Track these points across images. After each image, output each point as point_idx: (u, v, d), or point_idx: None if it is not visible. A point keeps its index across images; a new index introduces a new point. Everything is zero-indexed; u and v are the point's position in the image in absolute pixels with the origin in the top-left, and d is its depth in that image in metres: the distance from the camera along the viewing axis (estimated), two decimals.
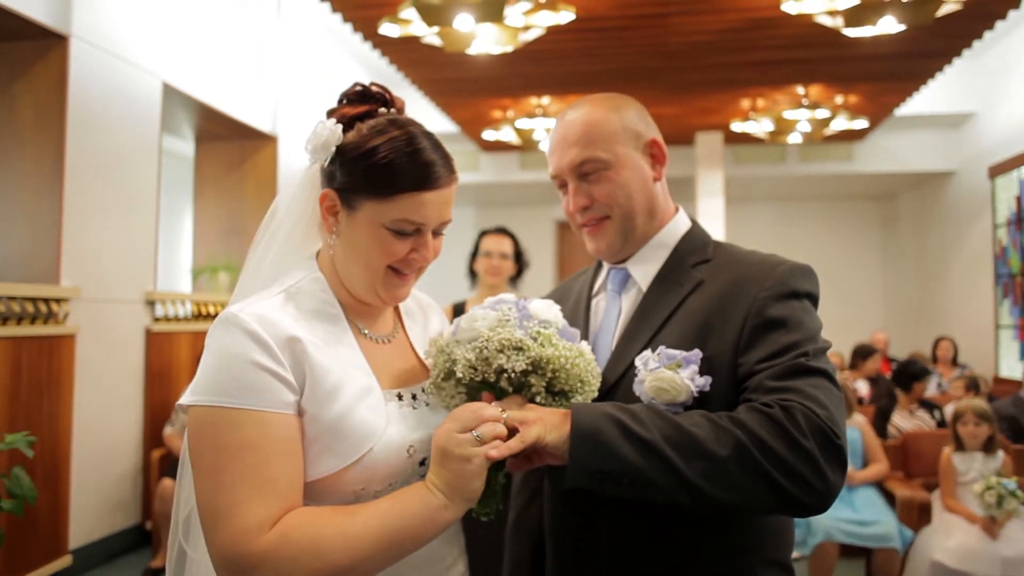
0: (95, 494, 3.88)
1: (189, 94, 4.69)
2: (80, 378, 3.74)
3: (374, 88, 1.08)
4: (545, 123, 6.65)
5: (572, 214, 1.19)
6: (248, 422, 0.91)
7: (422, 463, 1.02)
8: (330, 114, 1.07)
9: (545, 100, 6.64)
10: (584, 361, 1.03)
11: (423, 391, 1.09)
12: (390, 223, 1.00)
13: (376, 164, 1.00)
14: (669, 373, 1.01)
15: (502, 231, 3.08)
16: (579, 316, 1.24)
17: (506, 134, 6.99)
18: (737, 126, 6.96)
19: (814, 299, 1.10)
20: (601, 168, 1.14)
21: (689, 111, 7.04)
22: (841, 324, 8.44)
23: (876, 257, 10.02)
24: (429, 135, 1.04)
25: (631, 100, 1.20)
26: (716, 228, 7.87)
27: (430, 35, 4.33)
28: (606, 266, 1.26)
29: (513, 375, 0.99)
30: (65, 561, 3.63)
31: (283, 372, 0.93)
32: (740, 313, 1.05)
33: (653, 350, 1.05)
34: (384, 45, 5.20)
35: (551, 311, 1.07)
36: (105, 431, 3.95)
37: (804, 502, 0.93)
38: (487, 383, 1.01)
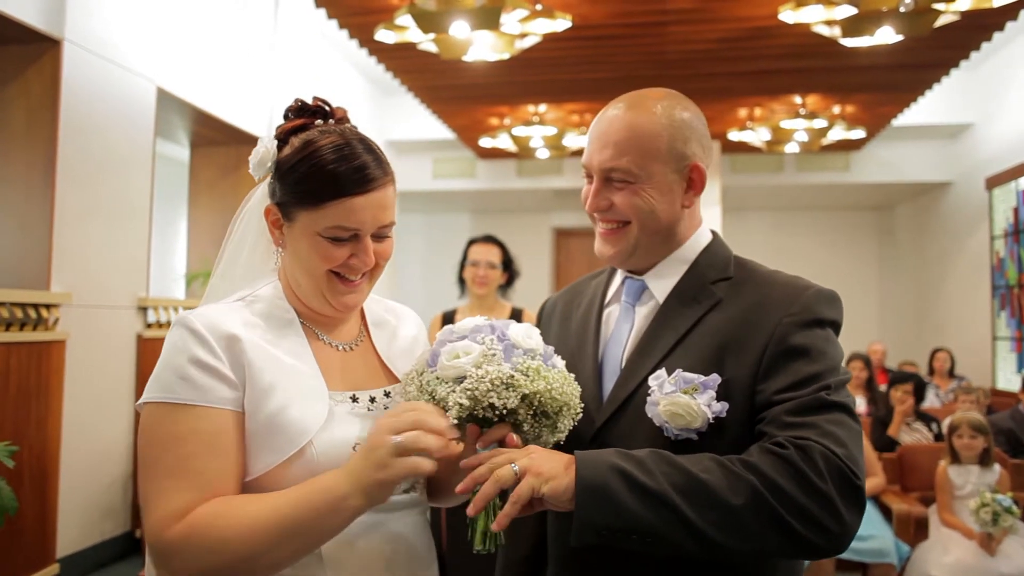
0: (84, 501, 3.84)
1: (183, 99, 4.67)
2: (70, 384, 3.70)
3: (314, 102, 1.10)
4: (542, 131, 6.64)
5: (589, 212, 1.15)
6: (181, 416, 0.95)
7: None
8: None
9: (542, 108, 6.63)
10: (571, 387, 1.02)
11: (385, 395, 1.09)
12: (323, 231, 1.01)
13: (303, 175, 1.01)
14: (686, 398, 0.98)
15: (490, 240, 3.06)
16: (590, 325, 1.20)
17: (503, 141, 6.98)
18: (734, 135, 6.96)
19: (838, 327, 1.06)
20: (629, 180, 1.09)
21: None
22: None
23: (873, 268, 10.02)
24: (362, 140, 1.04)
25: (693, 111, 1.13)
26: None
27: (426, 42, 4.32)
28: (620, 274, 1.21)
29: (504, 411, 0.97)
30: (52, 570, 3.58)
31: (222, 368, 0.97)
32: (761, 338, 1.02)
33: (669, 370, 1.02)
34: (380, 52, 5.19)
35: (532, 338, 1.03)
36: (95, 438, 3.90)
37: (821, 546, 0.91)
38: (473, 417, 0.98)
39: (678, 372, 1.00)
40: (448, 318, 3.05)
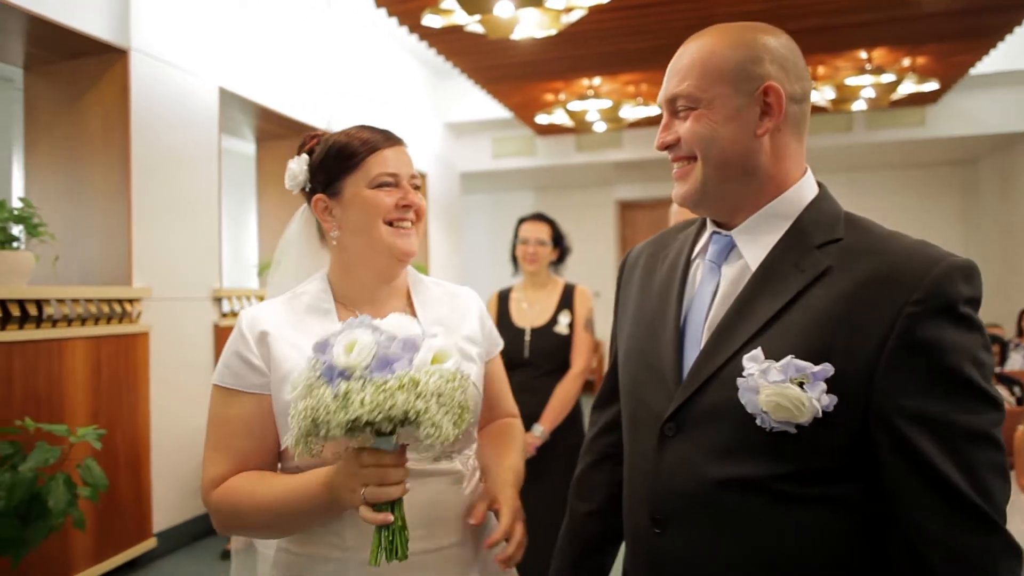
0: (175, 481, 4.12)
1: (245, 97, 4.85)
2: (155, 373, 3.96)
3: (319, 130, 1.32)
4: (598, 104, 6.59)
5: (659, 149, 1.04)
6: (227, 399, 1.16)
7: None
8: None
9: (596, 81, 6.57)
10: (404, 395, 0.93)
11: None
12: (370, 183, 1.19)
13: (339, 150, 1.22)
14: (796, 390, 0.86)
15: (539, 217, 3.09)
16: (673, 284, 1.06)
17: (559, 117, 6.97)
18: None
19: (977, 304, 0.89)
20: (692, 106, 0.98)
21: None
22: None
23: (956, 226, 9.53)
24: (367, 126, 1.26)
25: (775, 32, 0.99)
26: None
27: (472, 23, 4.35)
28: (709, 225, 1.06)
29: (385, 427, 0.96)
30: (150, 543, 3.87)
31: (254, 360, 1.15)
32: (881, 326, 0.87)
33: (766, 351, 0.89)
34: (430, 36, 5.25)
35: (354, 352, 0.95)
36: (180, 422, 4.17)
37: None
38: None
39: (789, 359, 0.87)
40: (504, 297, 3.11)
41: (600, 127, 7.02)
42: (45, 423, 2.93)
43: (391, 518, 0.99)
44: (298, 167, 1.27)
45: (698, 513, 0.95)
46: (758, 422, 0.89)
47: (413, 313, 1.26)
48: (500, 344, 1.39)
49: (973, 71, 6.73)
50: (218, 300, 4.55)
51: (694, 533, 0.96)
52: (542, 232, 3.02)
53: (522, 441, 1.38)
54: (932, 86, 6.48)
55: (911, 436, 0.86)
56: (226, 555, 3.98)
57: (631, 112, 6.76)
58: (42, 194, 3.97)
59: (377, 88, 6.71)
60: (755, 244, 0.99)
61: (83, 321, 3.50)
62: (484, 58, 5.79)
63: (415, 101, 7.67)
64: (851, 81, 6.16)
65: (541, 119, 7.18)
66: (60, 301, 3.37)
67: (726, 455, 0.93)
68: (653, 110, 6.82)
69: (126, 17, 3.86)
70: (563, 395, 2.86)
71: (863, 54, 6.05)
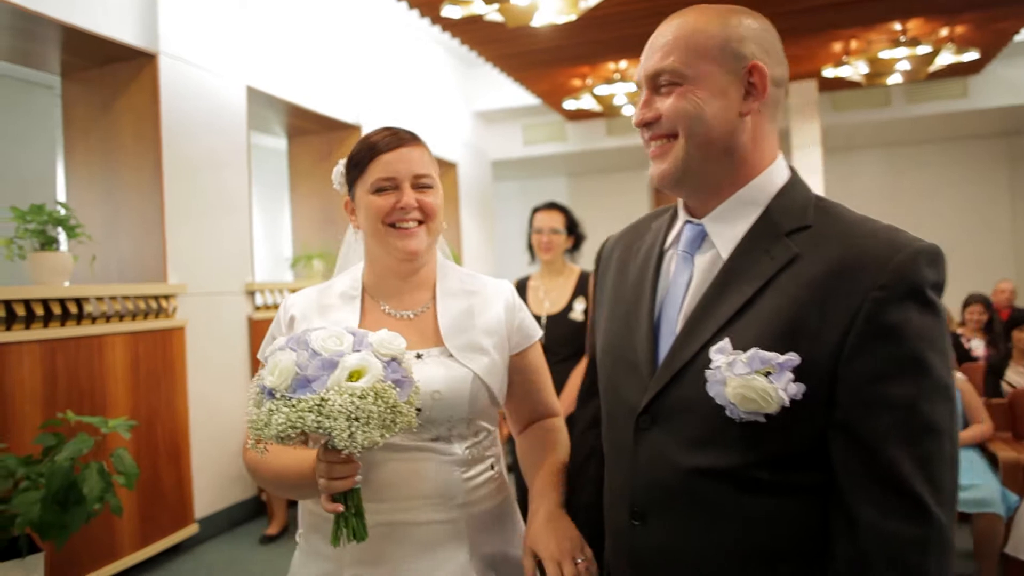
0: (214, 469, 4.28)
1: (273, 95, 4.96)
2: (192, 366, 4.11)
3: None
4: (625, 87, 6.54)
5: (638, 126, 1.02)
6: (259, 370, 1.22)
7: (417, 411, 1.18)
8: None
9: (623, 64, 6.52)
10: (321, 410, 1.02)
11: (417, 357, 1.26)
12: (370, 188, 1.27)
13: (352, 155, 1.32)
14: (762, 382, 0.85)
15: (552, 206, 3.12)
16: (647, 276, 1.06)
17: (587, 102, 6.94)
18: (830, 72, 6.57)
19: (941, 289, 0.89)
20: (676, 81, 0.95)
21: None
22: (963, 275, 7.84)
23: (1003, 199, 9.20)
24: (388, 127, 1.32)
25: (756, 16, 0.99)
26: (815, 183, 7.49)
27: (491, 12, 4.36)
28: (682, 215, 1.05)
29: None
30: (192, 529, 4.03)
31: (283, 336, 1.23)
32: (846, 312, 0.87)
33: (735, 341, 0.90)
34: (452, 27, 5.28)
35: (273, 373, 1.06)
36: (218, 412, 4.32)
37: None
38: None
39: (754, 351, 0.87)
40: (521, 286, 3.15)
41: (629, 110, 6.97)
42: (87, 416, 3.08)
43: (340, 508, 1.09)
44: (337, 171, 1.39)
45: (674, 504, 0.96)
46: (728, 413, 0.89)
47: (435, 305, 1.32)
48: (533, 337, 1.38)
49: (1018, 38, 6.48)
50: (251, 294, 4.68)
51: (671, 525, 0.97)
52: (556, 221, 3.05)
53: (561, 446, 1.35)
54: (972, 56, 6.25)
55: (867, 420, 0.86)
56: (265, 540, 4.12)
57: None
58: (81, 196, 4.14)
59: (406, 79, 6.77)
60: (726, 233, 0.99)
61: (121, 317, 3.64)
62: (508, 46, 5.80)
63: (444, 91, 7.71)
64: (885, 54, 5.99)
65: (569, 105, 7.16)
66: (99, 299, 3.51)
67: (699, 446, 0.94)
68: None
69: (154, 22, 3.98)
70: (579, 381, 2.88)
71: (897, 26, 5.88)
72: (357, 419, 1.02)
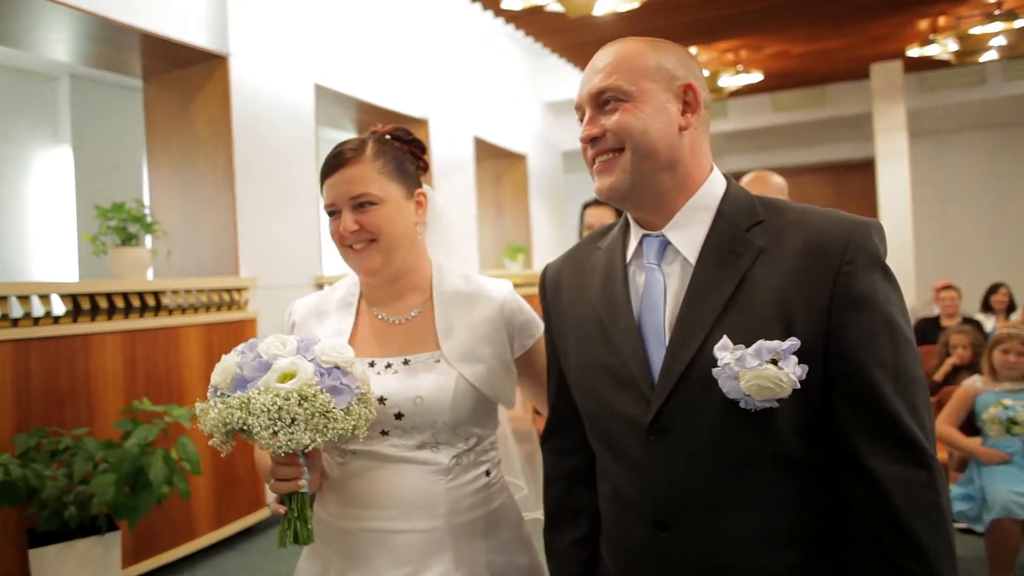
0: None
1: (340, 91, 5.08)
2: None
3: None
4: None
5: (584, 148, 1.08)
6: None
7: (398, 416, 1.24)
8: None
9: (692, 50, 6.35)
10: (249, 407, 1.06)
11: (404, 362, 1.28)
12: (326, 210, 1.31)
13: None
14: (774, 369, 0.91)
15: (602, 203, 3.06)
16: (616, 291, 1.08)
17: None
18: (915, 52, 6.21)
19: (886, 257, 1.00)
20: (621, 99, 1.02)
21: (859, 42, 6.40)
22: None
23: None
24: (339, 144, 1.31)
25: (678, 47, 1.08)
26: (900, 168, 7.13)
27: (552, 3, 4.34)
28: (635, 231, 1.09)
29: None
30: (264, 513, 4.21)
31: None
32: (824, 291, 0.94)
33: (732, 336, 0.94)
34: (515, 19, 5.29)
35: (218, 372, 1.13)
36: None
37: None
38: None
39: (760, 343, 0.92)
40: None
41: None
42: (164, 404, 3.25)
43: (282, 509, 1.13)
44: None
45: (701, 505, 0.98)
46: (742, 405, 0.94)
47: (431, 311, 1.32)
48: (536, 334, 1.37)
49: None
50: (320, 287, 4.83)
51: (699, 525, 0.99)
52: (606, 217, 3.01)
53: None
54: None
55: (863, 382, 0.94)
56: None
57: (732, 80, 6.50)
58: (162, 193, 4.37)
59: (474, 72, 6.81)
60: (687, 239, 1.04)
61: (196, 309, 3.83)
62: (574, 36, 5.76)
63: (513, 82, 7.71)
64: (978, 30, 5.63)
65: None
66: (175, 292, 3.70)
67: (717, 443, 0.97)
68: (755, 77, 6.53)
69: (224, 26, 4.14)
70: None
71: None
72: (280, 419, 1.05)
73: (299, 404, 1.06)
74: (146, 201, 4.38)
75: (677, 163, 1.03)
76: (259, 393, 1.07)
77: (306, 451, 1.12)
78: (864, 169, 8.51)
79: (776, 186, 2.59)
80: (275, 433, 1.05)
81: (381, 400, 1.23)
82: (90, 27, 3.61)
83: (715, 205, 1.05)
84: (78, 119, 5.36)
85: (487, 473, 1.31)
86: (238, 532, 4.01)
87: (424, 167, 1.38)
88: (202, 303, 3.86)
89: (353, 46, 5.25)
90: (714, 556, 0.98)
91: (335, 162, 1.27)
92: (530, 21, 5.33)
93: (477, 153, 7.07)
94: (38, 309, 3.09)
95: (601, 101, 1.04)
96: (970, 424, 3.23)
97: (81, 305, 3.25)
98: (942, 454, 3.04)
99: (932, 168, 8.35)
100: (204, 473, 3.69)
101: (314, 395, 1.07)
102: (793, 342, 0.92)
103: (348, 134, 6.57)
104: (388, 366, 1.27)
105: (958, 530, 3.31)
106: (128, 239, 3.54)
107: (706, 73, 6.26)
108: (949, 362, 4.26)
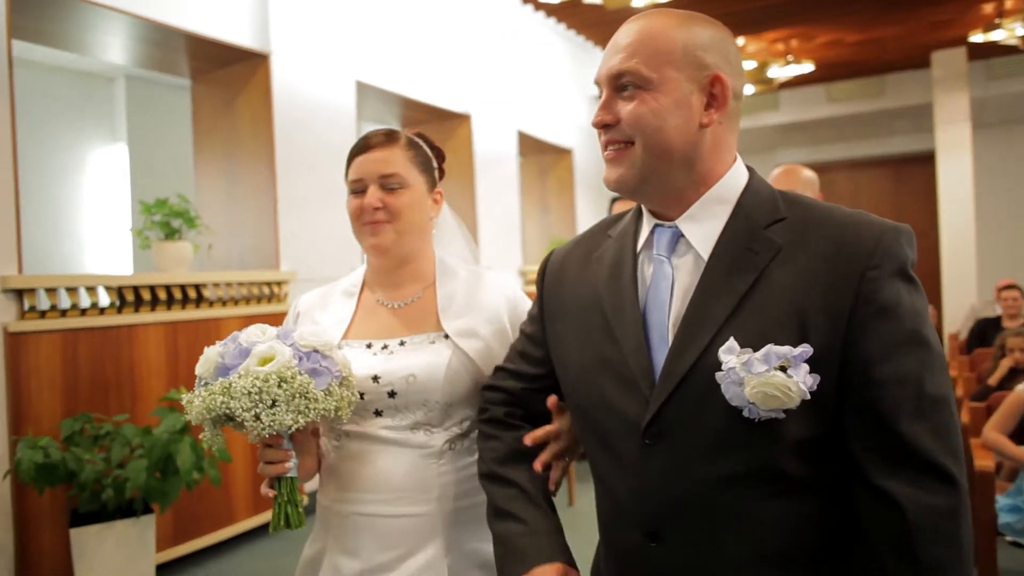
0: None
1: (382, 88, 5.14)
2: None
3: None
4: (743, 66, 6.24)
5: (595, 127, 1.00)
6: None
7: (391, 395, 1.27)
8: None
9: (740, 41, 6.20)
10: (228, 395, 1.09)
11: (400, 343, 1.32)
12: (348, 188, 1.35)
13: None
14: (782, 377, 0.85)
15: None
16: (624, 283, 1.01)
17: None
18: (979, 37, 5.92)
19: (914, 266, 0.93)
20: (639, 85, 0.94)
21: (918, 28, 6.14)
22: None
23: None
24: (381, 129, 1.37)
25: (717, 25, 0.98)
26: (962, 160, 6.82)
27: None
28: (648, 220, 1.02)
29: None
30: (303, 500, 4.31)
31: None
32: (846, 296, 0.88)
33: (740, 339, 0.88)
34: (555, 12, 5.25)
35: (201, 363, 1.16)
36: None
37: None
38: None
39: (769, 347, 0.86)
40: None
41: (748, 89, 6.64)
42: None
43: (272, 493, 1.15)
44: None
45: (693, 518, 0.93)
46: (746, 413, 0.87)
47: (432, 295, 1.37)
48: None
49: None
50: None
51: (692, 538, 0.93)
52: None
53: None
54: None
55: (882, 398, 0.87)
56: None
57: (782, 71, 6.33)
58: (207, 188, 4.51)
59: (517, 67, 6.79)
60: (702, 232, 0.97)
61: (236, 302, 3.94)
62: (615, 28, 5.66)
63: (557, 77, 7.67)
64: None
65: None
66: (216, 285, 3.82)
67: (716, 452, 0.91)
68: (806, 68, 6.34)
69: (266, 25, 4.24)
70: None
71: None
72: (261, 401, 1.08)
73: (278, 386, 1.09)
74: (194, 196, 4.54)
75: (695, 161, 0.96)
76: (239, 377, 1.10)
77: (291, 433, 1.15)
78: (925, 162, 8.17)
79: (806, 180, 2.51)
80: (258, 416, 1.08)
81: (375, 379, 1.27)
82: (142, 30, 3.75)
83: (735, 198, 0.97)
84: (133, 118, 5.58)
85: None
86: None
87: (442, 174, 1.43)
88: (242, 296, 3.97)
89: (394, 42, 5.30)
90: (706, 571, 0.93)
91: (370, 142, 1.34)
92: (570, 14, 5.29)
93: (521, 148, 7.07)
94: (85, 300, 3.23)
95: (619, 85, 0.96)
96: (1021, 431, 3.08)
97: (126, 297, 3.39)
98: (988, 462, 2.90)
99: (997, 160, 7.93)
100: (242, 460, 3.81)
101: (292, 376, 1.10)
102: (805, 348, 0.86)
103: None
104: (384, 347, 1.31)
105: (1009, 543, 3.16)
106: (171, 233, 3.67)
107: (753, 64, 6.11)
108: (1005, 364, 4.07)
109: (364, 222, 1.32)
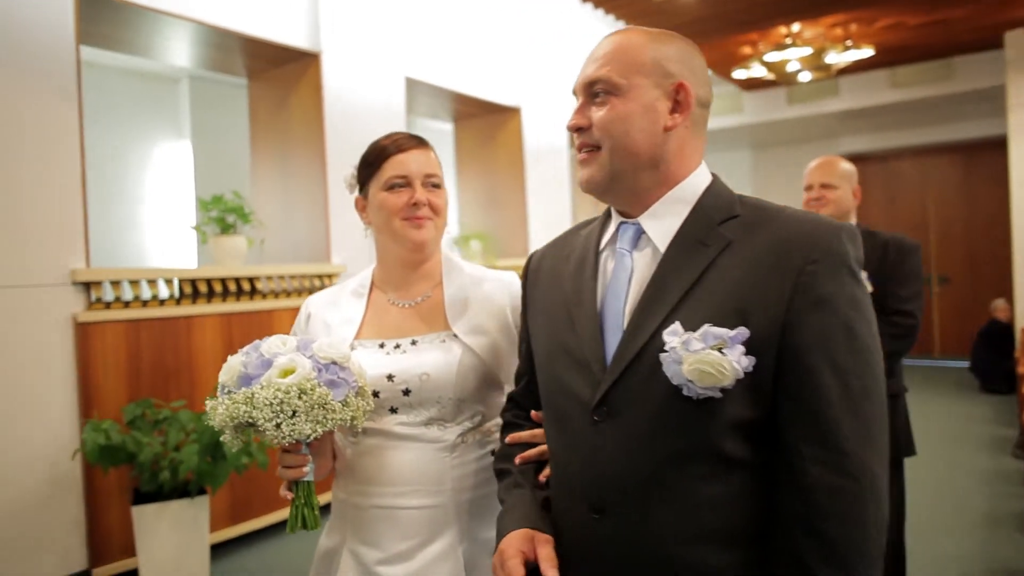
0: None
1: (431, 83, 5.22)
2: None
3: None
4: (799, 52, 6.08)
5: (569, 131, 1.10)
6: None
7: (406, 392, 1.33)
8: None
9: (796, 27, 6.05)
10: (251, 403, 1.13)
11: (412, 343, 1.38)
12: (384, 185, 1.37)
13: (365, 156, 1.43)
14: (717, 355, 0.90)
15: None
16: (585, 275, 1.10)
17: (758, 70, 6.54)
18: None
19: (860, 263, 0.98)
20: (610, 91, 1.03)
21: (989, 7, 5.85)
22: None
23: None
24: (398, 133, 1.42)
25: (687, 41, 1.07)
26: None
27: None
28: (615, 219, 1.11)
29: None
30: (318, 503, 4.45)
31: (299, 332, 1.46)
32: (785, 287, 0.93)
33: (684, 323, 0.94)
34: (603, 4, 5.22)
35: (225, 372, 1.20)
36: None
37: None
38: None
39: (706, 327, 0.92)
40: None
41: (805, 76, 6.47)
42: None
43: (289, 495, 1.22)
44: (347, 174, 1.49)
45: (638, 493, 0.98)
46: (685, 392, 0.93)
47: (440, 295, 1.42)
48: None
49: None
50: None
51: (634, 513, 0.98)
52: None
53: None
54: None
55: (809, 386, 0.92)
56: None
57: (840, 57, 6.14)
58: (263, 184, 4.68)
59: (566, 59, 6.79)
60: (661, 228, 1.04)
61: (288, 294, 4.09)
62: (664, 19, 5.62)
63: None
64: None
65: (739, 74, 6.79)
66: (269, 278, 3.98)
67: (659, 431, 0.96)
68: (865, 53, 6.14)
69: (316, 25, 4.37)
70: None
71: None
72: (282, 411, 1.12)
73: (299, 397, 1.14)
74: (251, 191, 4.72)
75: (660, 162, 1.04)
76: (262, 388, 1.14)
77: (309, 441, 1.20)
78: (997, 148, 7.80)
79: (843, 172, 2.46)
80: (278, 425, 1.13)
81: (390, 377, 1.32)
82: (203, 35, 3.93)
83: (694, 199, 1.05)
84: (197, 116, 5.82)
85: (492, 453, 1.38)
86: (326, 504, 4.26)
87: None
88: (294, 288, 4.12)
89: (443, 37, 5.38)
90: (646, 545, 0.98)
91: (412, 142, 1.39)
92: (619, 5, 5.26)
93: (571, 141, 7.04)
94: (146, 292, 3.42)
95: (592, 92, 1.05)
96: None
97: (184, 289, 3.57)
98: None
99: None
100: None
101: (312, 388, 1.15)
102: (741, 331, 0.92)
103: (446, 124, 6.75)
104: (397, 346, 1.37)
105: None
106: (227, 228, 3.84)
107: (809, 51, 5.95)
108: None
109: (410, 216, 1.35)
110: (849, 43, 6.17)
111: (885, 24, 6.09)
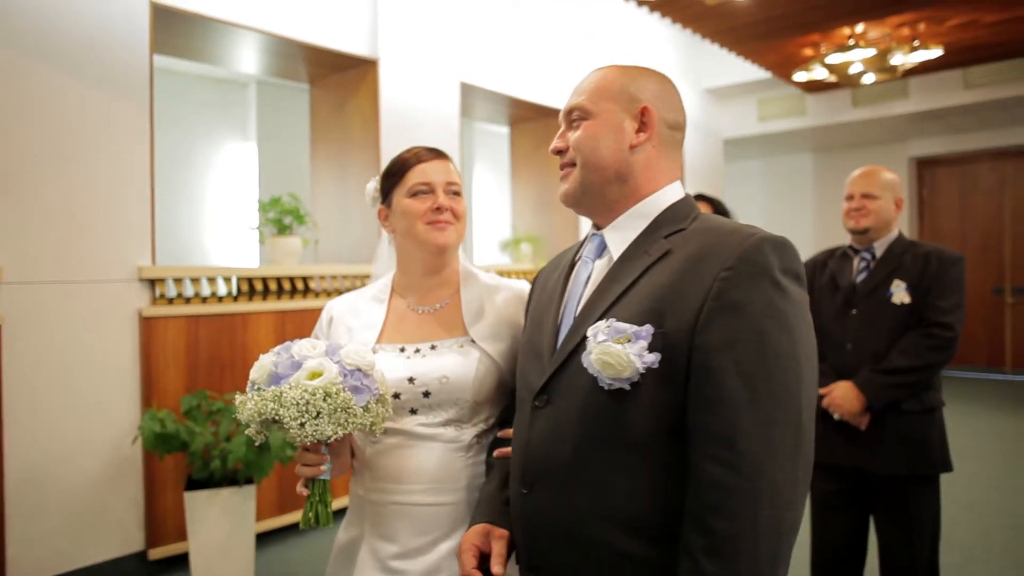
0: None
1: (486, 88, 5.30)
2: None
3: None
4: (862, 54, 5.90)
5: (553, 154, 1.24)
6: None
7: (425, 394, 1.39)
8: None
9: (859, 28, 5.87)
10: (277, 401, 1.19)
11: (431, 348, 1.44)
12: (408, 192, 1.46)
13: (389, 167, 1.52)
14: (617, 348, 0.99)
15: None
16: (559, 281, 1.24)
17: (819, 72, 6.38)
18: None
19: (792, 275, 1.01)
20: (583, 116, 1.16)
21: None
22: None
23: None
24: (422, 146, 1.52)
25: (659, 75, 1.20)
26: None
27: None
28: (592, 231, 1.24)
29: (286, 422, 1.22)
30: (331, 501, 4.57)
31: (321, 339, 1.49)
32: (699, 291, 1.00)
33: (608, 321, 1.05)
34: (661, 7, 5.20)
35: (256, 370, 1.27)
36: None
37: None
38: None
39: (611, 322, 1.03)
40: None
41: (869, 78, 6.28)
42: None
43: (305, 492, 1.28)
44: (372, 186, 1.59)
45: (560, 474, 1.08)
46: (599, 383, 1.03)
47: (458, 301, 1.49)
48: None
49: None
50: None
51: (554, 493, 1.09)
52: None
53: None
54: None
55: (713, 385, 0.97)
56: None
57: (906, 58, 5.93)
58: (321, 186, 4.85)
59: (625, 62, 6.74)
60: (619, 239, 1.16)
61: (340, 293, 4.23)
62: (719, 21, 5.55)
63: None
64: None
65: (800, 76, 6.63)
66: (321, 277, 4.12)
67: (582, 417, 1.06)
68: (934, 53, 5.92)
69: (375, 32, 4.50)
70: None
71: None
72: (307, 412, 1.19)
73: (324, 399, 1.20)
74: (310, 193, 4.90)
75: (627, 176, 1.15)
76: (290, 388, 1.21)
77: (329, 442, 1.27)
78: None
79: (884, 182, 2.42)
80: (302, 424, 1.19)
81: (410, 380, 1.39)
82: (268, 44, 4.11)
83: (655, 214, 1.15)
84: (262, 119, 6.06)
85: None
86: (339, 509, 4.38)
87: None
88: (345, 287, 4.26)
89: (498, 43, 5.45)
90: (563, 522, 1.07)
91: (432, 154, 1.49)
92: (673, 9, 5.22)
93: None
94: (206, 290, 3.60)
95: (571, 119, 1.19)
96: None
97: (241, 287, 3.74)
98: None
99: None
100: None
101: (337, 392, 1.21)
102: (647, 328, 1.00)
103: (503, 128, 6.82)
104: (417, 351, 1.44)
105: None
106: (283, 229, 4.00)
107: (872, 52, 5.78)
108: None
109: (434, 220, 1.44)
110: (916, 43, 5.96)
111: (958, 22, 5.86)
